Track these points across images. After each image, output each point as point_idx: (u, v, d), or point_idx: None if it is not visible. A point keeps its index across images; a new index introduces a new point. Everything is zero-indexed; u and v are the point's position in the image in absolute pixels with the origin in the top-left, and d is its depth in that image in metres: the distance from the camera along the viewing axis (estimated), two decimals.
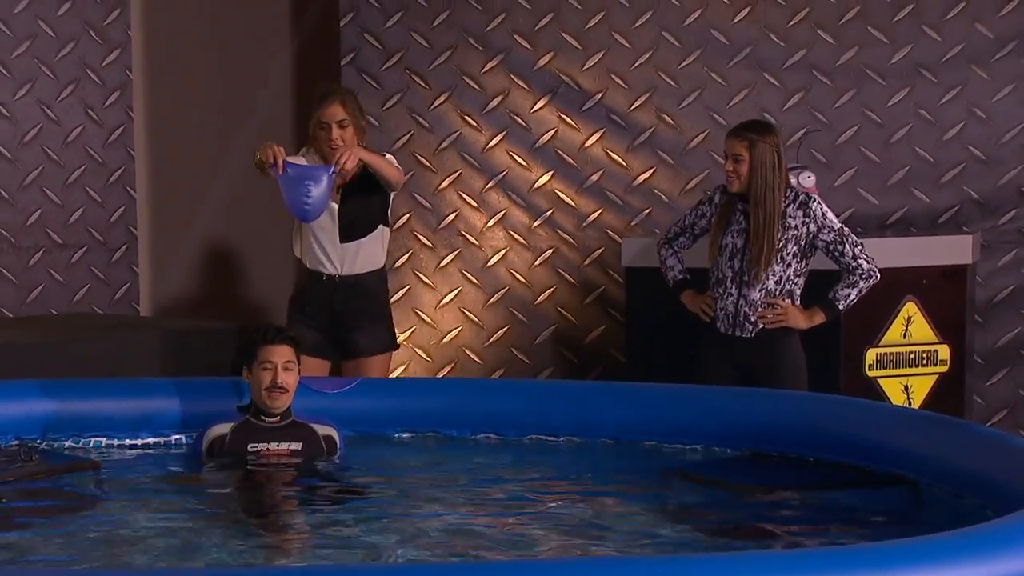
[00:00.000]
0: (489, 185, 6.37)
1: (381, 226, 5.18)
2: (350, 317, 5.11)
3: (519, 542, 3.78)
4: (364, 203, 5.13)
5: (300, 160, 5.07)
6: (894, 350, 5.56)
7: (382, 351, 5.22)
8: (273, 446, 4.49)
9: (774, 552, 3.57)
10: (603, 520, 4.01)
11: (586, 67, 6.28)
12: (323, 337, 5.13)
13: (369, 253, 5.17)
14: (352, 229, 5.13)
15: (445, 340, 6.40)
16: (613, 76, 6.26)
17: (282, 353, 4.51)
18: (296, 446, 4.51)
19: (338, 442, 4.60)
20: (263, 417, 4.53)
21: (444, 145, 6.39)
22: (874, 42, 6.09)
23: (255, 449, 4.49)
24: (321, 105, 5.05)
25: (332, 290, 5.15)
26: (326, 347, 5.16)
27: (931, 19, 6.06)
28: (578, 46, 6.29)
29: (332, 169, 4.93)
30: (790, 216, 4.96)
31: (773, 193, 4.92)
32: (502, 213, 6.37)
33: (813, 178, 5.52)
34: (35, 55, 6.38)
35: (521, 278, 6.37)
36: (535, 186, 6.34)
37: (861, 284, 4.97)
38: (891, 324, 5.56)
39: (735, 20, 6.17)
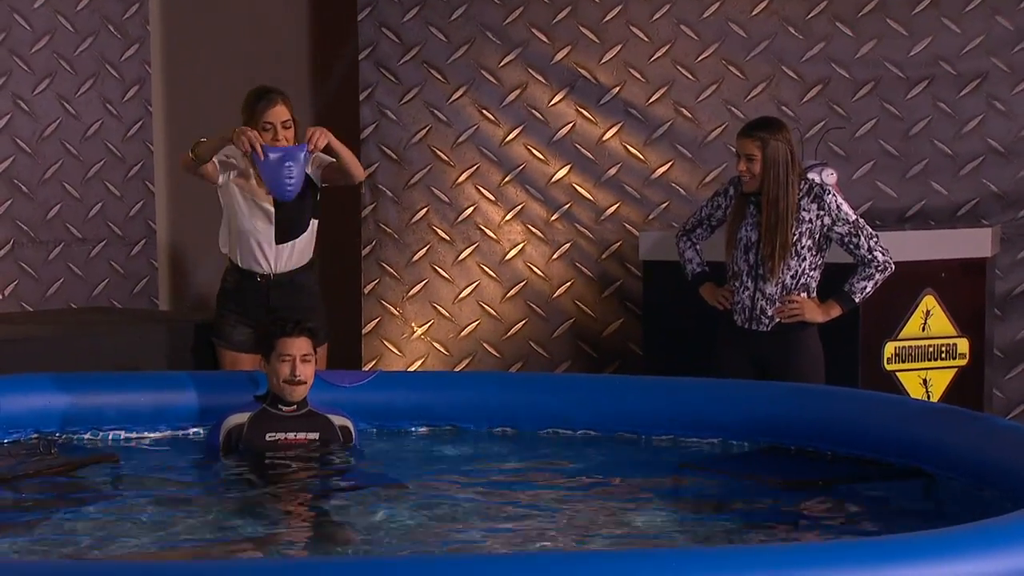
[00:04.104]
0: (507, 179, 6.37)
1: (313, 221, 5.21)
2: (285, 312, 5.09)
3: (535, 535, 3.78)
4: (299, 205, 5.16)
5: (232, 161, 5.11)
6: (913, 344, 5.54)
7: (320, 343, 5.23)
8: (291, 435, 4.52)
9: (791, 545, 3.56)
10: (620, 513, 4.01)
11: (604, 61, 6.28)
12: (258, 333, 5.13)
13: (302, 250, 5.23)
14: (288, 231, 5.19)
15: (463, 334, 6.40)
16: (631, 70, 6.25)
17: (300, 345, 4.54)
18: (313, 435, 4.54)
19: (353, 433, 4.62)
20: (280, 406, 4.55)
21: (462, 139, 6.39)
22: (893, 35, 6.07)
23: (273, 439, 4.51)
24: (264, 106, 5.08)
25: (267, 288, 5.19)
26: None
27: (950, 11, 6.04)
28: (596, 40, 6.28)
29: (306, 147, 5.03)
30: (804, 209, 4.95)
31: (787, 190, 4.91)
32: (520, 207, 6.37)
33: (835, 175, 5.50)
34: (54, 50, 6.40)
35: (539, 272, 6.37)
36: (553, 180, 6.34)
37: (877, 276, 4.96)
38: (910, 318, 5.54)
39: (753, 13, 6.16)
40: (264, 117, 5.06)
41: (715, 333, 5.10)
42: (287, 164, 4.96)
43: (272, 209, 5.15)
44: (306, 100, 6.95)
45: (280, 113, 5.07)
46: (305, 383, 4.54)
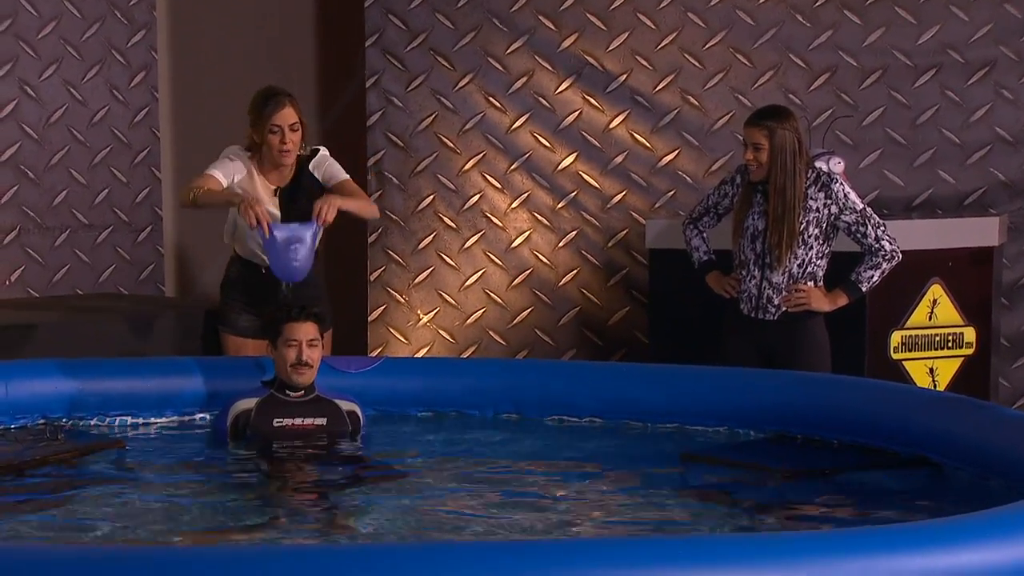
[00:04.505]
0: (513, 166, 6.37)
1: None
2: (290, 301, 5.06)
3: (538, 522, 3.79)
4: (306, 207, 5.10)
5: (236, 163, 5.04)
6: (919, 333, 5.54)
7: (325, 329, 5.22)
8: (298, 421, 4.52)
9: (797, 534, 3.56)
10: (624, 501, 4.02)
11: (611, 48, 6.27)
12: (263, 319, 5.11)
13: None
14: None
15: (469, 321, 6.40)
16: (638, 57, 6.24)
17: (307, 330, 4.55)
18: (321, 421, 4.55)
19: (361, 418, 4.63)
20: (288, 392, 4.56)
21: (468, 126, 6.38)
22: (901, 23, 6.06)
23: (280, 424, 4.52)
24: (272, 108, 4.98)
25: (271, 280, 5.15)
26: None
27: None
28: (603, 27, 6.27)
29: (315, 226, 4.84)
30: (811, 198, 4.94)
31: (794, 179, 4.90)
32: (526, 194, 6.36)
33: (842, 164, 5.49)
34: (61, 35, 6.40)
35: (545, 260, 6.36)
36: (559, 167, 6.34)
37: (884, 265, 4.95)
38: (917, 306, 5.54)
39: (761, 0, 6.15)
40: (271, 120, 4.99)
41: (721, 321, 5.10)
42: (293, 246, 4.80)
43: (278, 212, 5.10)
44: (312, 85, 6.95)
45: (288, 116, 5.01)
46: (312, 367, 4.54)
